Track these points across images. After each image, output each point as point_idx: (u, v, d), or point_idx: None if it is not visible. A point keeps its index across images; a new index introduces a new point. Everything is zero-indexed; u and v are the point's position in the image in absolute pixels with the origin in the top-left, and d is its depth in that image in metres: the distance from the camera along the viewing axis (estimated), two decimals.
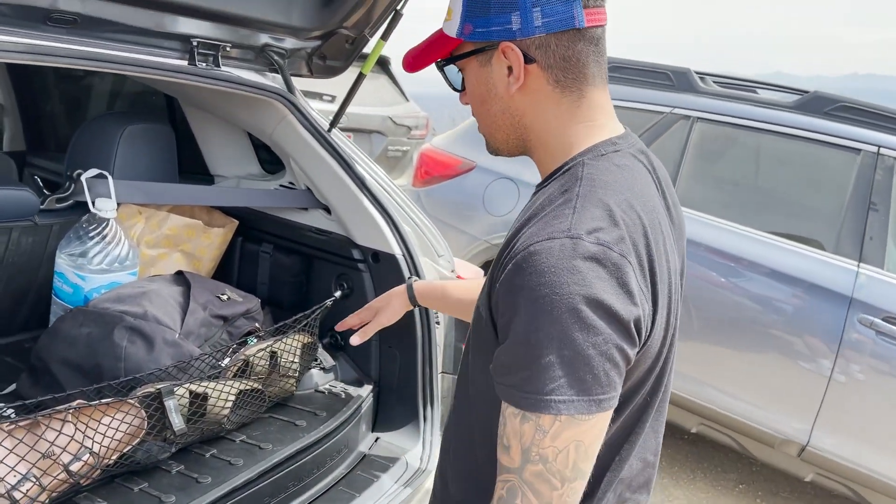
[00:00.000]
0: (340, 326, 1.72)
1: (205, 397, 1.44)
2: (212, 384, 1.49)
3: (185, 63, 1.68)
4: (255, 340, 1.75)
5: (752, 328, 3.14)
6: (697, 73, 3.68)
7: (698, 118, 3.51)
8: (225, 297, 1.77)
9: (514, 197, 3.83)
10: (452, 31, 0.99)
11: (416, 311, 1.83)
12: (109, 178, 1.78)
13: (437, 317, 1.88)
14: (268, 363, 1.65)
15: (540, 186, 1.00)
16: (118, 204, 1.79)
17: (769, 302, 3.13)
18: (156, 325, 1.55)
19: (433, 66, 1.07)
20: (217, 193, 1.97)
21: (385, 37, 1.88)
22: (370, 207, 1.90)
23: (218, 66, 1.75)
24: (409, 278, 1.79)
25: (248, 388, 1.56)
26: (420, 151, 4.41)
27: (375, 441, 1.86)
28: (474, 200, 3.97)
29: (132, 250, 1.81)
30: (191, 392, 1.42)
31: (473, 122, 4.36)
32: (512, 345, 0.85)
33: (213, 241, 1.98)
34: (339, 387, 1.87)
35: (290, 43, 1.89)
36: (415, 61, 1.06)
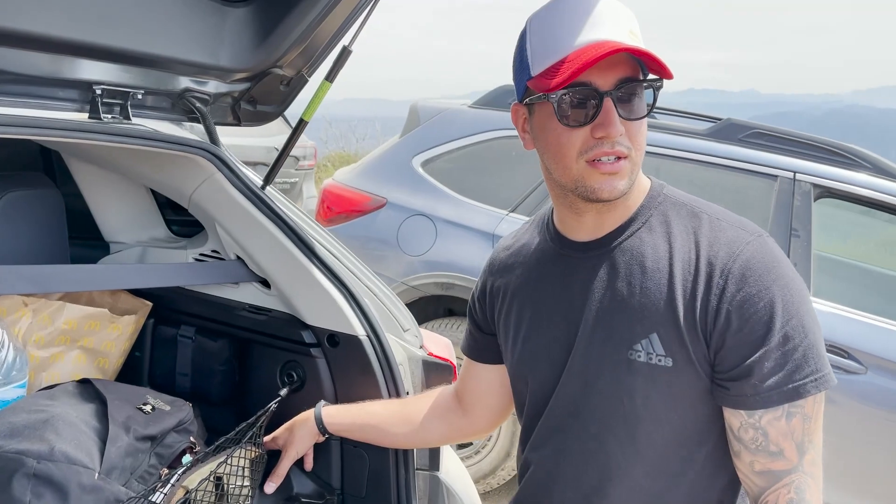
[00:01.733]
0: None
1: None
2: None
3: (85, 117, 1.32)
4: (191, 460, 1.39)
5: None
6: None
7: None
8: (149, 409, 1.40)
9: (431, 234, 3.58)
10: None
11: (385, 394, 1.53)
12: None
13: (408, 395, 1.59)
14: (213, 493, 1.30)
15: (619, 235, 1.04)
16: None
17: None
18: (68, 467, 1.17)
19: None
20: (127, 273, 1.58)
21: (331, 77, 1.57)
22: (322, 280, 1.58)
23: (128, 118, 1.39)
24: (318, 404, 1.47)
25: None
26: (323, 187, 4.07)
27: None
28: (388, 239, 3.69)
29: (18, 355, 1.40)
30: None
31: (378, 156, 4.10)
32: (773, 345, 0.93)
33: (122, 331, 1.59)
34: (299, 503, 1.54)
35: (213, 86, 1.55)
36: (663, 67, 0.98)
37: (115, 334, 1.58)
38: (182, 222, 1.92)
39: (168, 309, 1.76)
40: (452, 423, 1.34)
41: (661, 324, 0.97)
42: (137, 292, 1.71)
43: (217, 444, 1.36)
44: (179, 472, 1.31)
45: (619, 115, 0.95)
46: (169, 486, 1.27)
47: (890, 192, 3.09)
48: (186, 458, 1.41)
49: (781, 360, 0.93)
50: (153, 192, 1.89)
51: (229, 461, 1.33)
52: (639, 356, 0.99)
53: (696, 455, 1.02)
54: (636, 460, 1.02)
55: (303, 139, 6.21)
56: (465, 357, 1.33)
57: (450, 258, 3.54)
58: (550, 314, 1.09)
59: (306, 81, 1.65)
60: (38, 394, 1.38)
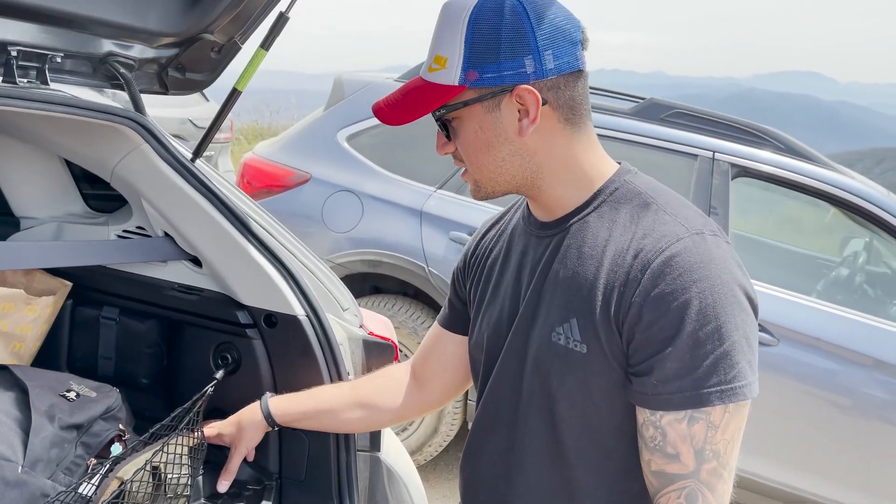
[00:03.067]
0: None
1: None
2: None
3: None
4: (121, 450, 1.31)
5: None
6: None
7: None
8: (73, 395, 1.31)
9: (357, 211, 3.52)
10: (450, 80, 0.97)
11: (328, 378, 1.49)
12: None
13: (349, 376, 1.55)
14: (150, 485, 1.23)
15: (572, 218, 1.02)
16: None
17: None
18: None
19: None
20: (45, 251, 1.45)
21: (266, 45, 1.49)
22: (258, 257, 1.51)
23: (45, 82, 1.27)
24: (264, 397, 1.41)
25: None
26: (243, 161, 3.92)
27: None
28: (312, 215, 3.60)
29: None
30: None
31: (301, 129, 3.98)
32: (680, 347, 0.89)
33: (39, 314, 1.48)
34: (233, 490, 1.48)
35: (139, 51, 1.45)
36: (402, 113, 1.01)
37: (31, 317, 1.46)
38: (100, 196, 1.80)
39: (88, 289, 1.65)
40: (406, 401, 1.31)
41: (581, 310, 0.97)
42: (54, 271, 1.60)
43: (152, 430, 1.28)
44: (111, 461, 1.23)
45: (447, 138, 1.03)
46: (98, 476, 1.19)
47: (801, 171, 3.23)
48: (115, 447, 1.33)
49: (688, 365, 0.89)
50: (68, 163, 1.76)
51: (166, 449, 1.26)
52: (559, 339, 0.99)
53: (615, 446, 1.00)
54: (555, 441, 1.02)
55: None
56: (435, 327, 1.31)
57: (376, 235, 3.49)
58: (505, 288, 1.10)
59: (239, 49, 1.56)
60: None
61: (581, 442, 1.01)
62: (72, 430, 1.25)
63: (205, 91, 5.56)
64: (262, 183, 3.76)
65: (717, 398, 0.88)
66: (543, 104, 0.96)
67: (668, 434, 0.91)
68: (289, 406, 1.37)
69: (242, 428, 1.38)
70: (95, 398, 1.34)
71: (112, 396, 1.37)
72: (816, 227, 4.81)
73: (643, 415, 0.94)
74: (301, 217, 3.59)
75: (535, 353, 1.02)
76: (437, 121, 1.02)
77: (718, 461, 0.90)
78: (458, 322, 1.26)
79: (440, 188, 3.41)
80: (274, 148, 3.88)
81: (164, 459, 1.27)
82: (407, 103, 1.00)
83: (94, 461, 1.28)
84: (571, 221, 1.03)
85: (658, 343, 0.90)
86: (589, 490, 1.01)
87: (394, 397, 1.32)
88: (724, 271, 0.91)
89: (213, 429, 1.42)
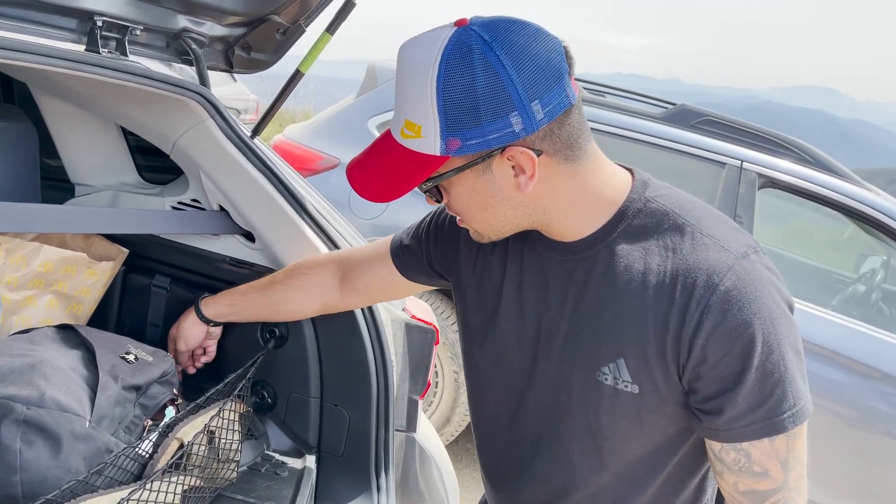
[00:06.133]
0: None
1: None
2: (147, 490, 1.09)
3: (81, 49, 1.24)
4: (174, 414, 1.35)
5: None
6: None
7: None
8: (132, 358, 1.35)
9: None
10: (430, 149, 0.88)
11: (373, 359, 1.53)
12: None
13: (392, 361, 1.59)
14: (206, 448, 1.27)
15: (596, 243, 0.97)
16: None
17: None
18: (60, 414, 1.11)
19: None
20: (108, 217, 1.50)
21: (332, 29, 1.53)
22: (311, 235, 1.55)
23: (124, 53, 1.31)
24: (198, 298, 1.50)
25: (190, 486, 1.19)
26: (272, 143, 3.96)
27: None
28: (339, 200, 3.58)
29: None
30: None
31: (332, 115, 4.00)
32: (750, 383, 0.88)
33: (98, 278, 1.52)
34: (276, 460, 1.52)
35: (209, 28, 1.49)
36: (384, 190, 0.93)
37: (90, 280, 1.51)
38: (153, 168, 1.84)
39: (141, 257, 1.69)
40: (325, 300, 1.38)
41: (629, 350, 0.93)
42: (111, 238, 1.64)
43: (207, 395, 1.32)
44: (170, 421, 1.27)
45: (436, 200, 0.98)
46: (156, 435, 1.23)
47: (828, 185, 3.26)
48: (169, 411, 1.38)
49: (759, 397, 0.88)
50: (125, 133, 1.80)
51: (220, 414, 1.30)
52: (606, 378, 0.95)
53: (663, 465, 1.01)
54: (600, 471, 1.02)
55: (244, 92, 6.00)
56: (382, 247, 1.33)
57: (401, 223, 3.50)
58: (529, 305, 1.04)
59: (303, 31, 1.60)
60: (17, 337, 1.30)
61: (630, 467, 1.01)
62: (132, 390, 1.29)
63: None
64: (292, 166, 3.80)
65: (790, 423, 0.89)
66: (539, 155, 0.89)
67: (752, 454, 0.91)
68: (215, 301, 1.45)
69: (180, 327, 1.47)
70: (152, 362, 1.38)
71: (168, 362, 1.41)
72: (834, 241, 4.83)
73: (718, 444, 0.93)
74: (329, 202, 3.62)
75: (580, 391, 0.99)
76: (423, 192, 0.95)
77: (800, 466, 0.92)
78: (412, 270, 1.26)
79: None
80: (305, 132, 3.92)
81: (218, 424, 1.31)
82: (387, 173, 0.92)
83: (149, 422, 1.32)
84: (597, 247, 0.97)
85: (727, 381, 0.89)
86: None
87: (314, 294, 1.38)
88: (774, 292, 0.90)
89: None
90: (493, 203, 0.94)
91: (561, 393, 1.02)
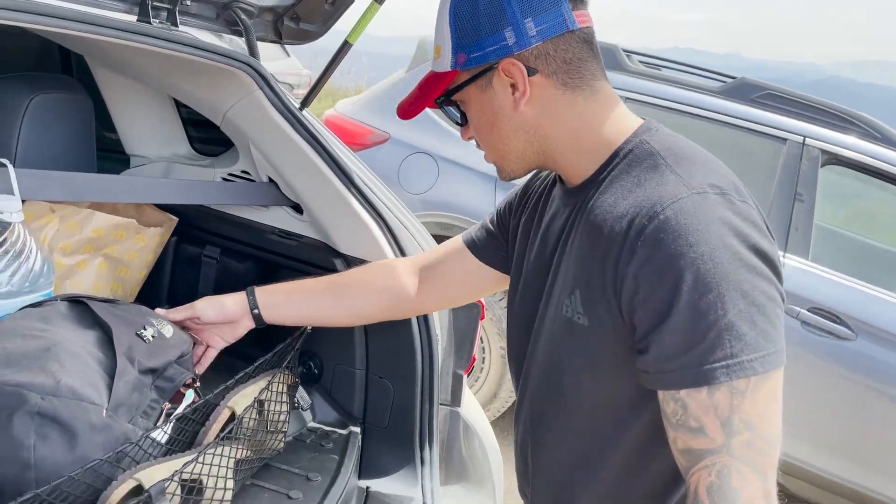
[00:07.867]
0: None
1: (199, 489, 1.07)
2: (200, 463, 1.10)
3: (133, 19, 1.25)
4: (193, 398, 1.33)
5: None
6: (625, 50, 3.54)
7: (625, 98, 3.38)
8: (149, 336, 1.24)
9: (433, 173, 3.55)
10: (445, 66, 0.98)
11: (418, 332, 1.52)
12: (10, 166, 1.30)
13: (438, 337, 1.58)
14: (255, 420, 1.29)
15: (588, 185, 0.98)
16: (23, 201, 1.32)
17: None
18: (76, 404, 1.02)
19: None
20: (161, 187, 1.52)
21: None
22: (358, 208, 1.55)
23: (175, 24, 1.32)
24: (249, 291, 1.38)
25: (241, 457, 1.20)
26: (324, 118, 3.98)
27: (367, 494, 1.54)
28: (388, 175, 3.63)
29: (46, 263, 1.35)
30: (183, 485, 1.04)
31: (383, 89, 4.00)
32: (678, 320, 0.81)
33: (147, 243, 1.55)
34: (321, 431, 1.54)
35: None
36: (410, 108, 1.04)
37: (139, 245, 1.53)
38: (205, 139, 1.86)
39: (193, 227, 1.72)
40: (394, 299, 1.33)
41: (583, 281, 0.93)
42: (162, 207, 1.67)
43: (255, 365, 1.33)
44: (223, 388, 1.26)
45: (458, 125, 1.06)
46: (170, 422, 1.20)
47: None
48: (189, 394, 1.35)
49: (689, 340, 0.81)
50: (178, 105, 1.82)
51: (269, 386, 1.31)
52: (567, 311, 0.96)
53: (629, 422, 0.95)
54: (566, 414, 1.01)
55: (297, 67, 6.03)
56: (457, 241, 1.31)
57: (450, 198, 3.51)
58: (539, 256, 1.09)
59: (352, 2, 1.59)
60: (27, 313, 1.18)
61: (592, 416, 0.98)
62: (149, 374, 1.21)
63: (285, 46, 5.62)
64: (342, 140, 3.82)
65: (722, 374, 0.79)
66: (533, 73, 0.95)
67: (688, 406, 0.82)
68: (273, 303, 1.35)
69: (237, 320, 1.35)
70: (171, 343, 1.28)
71: (186, 342, 1.32)
72: None
73: (661, 394, 0.86)
74: (378, 176, 3.63)
75: (551, 325, 1.01)
76: (440, 108, 1.04)
77: (753, 433, 0.79)
78: (489, 252, 1.24)
79: None
80: (356, 106, 3.92)
81: (267, 397, 1.32)
82: (416, 97, 1.04)
83: (168, 405, 1.27)
84: (588, 189, 0.98)
85: (655, 316, 0.83)
86: (605, 464, 0.99)
87: (380, 293, 1.34)
88: (727, 232, 0.82)
89: (187, 310, 1.35)
90: (497, 121, 0.99)
91: (542, 332, 1.04)
